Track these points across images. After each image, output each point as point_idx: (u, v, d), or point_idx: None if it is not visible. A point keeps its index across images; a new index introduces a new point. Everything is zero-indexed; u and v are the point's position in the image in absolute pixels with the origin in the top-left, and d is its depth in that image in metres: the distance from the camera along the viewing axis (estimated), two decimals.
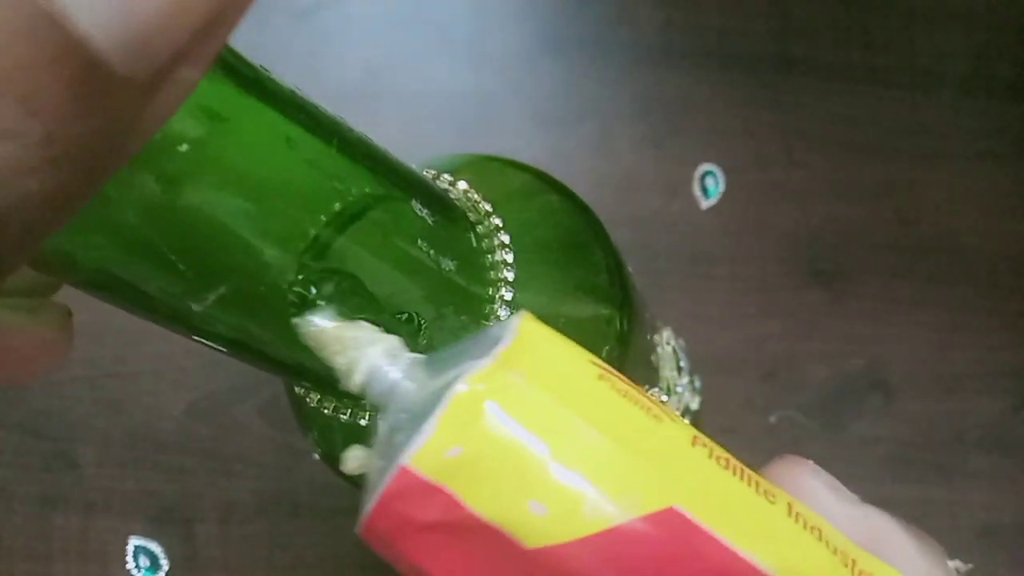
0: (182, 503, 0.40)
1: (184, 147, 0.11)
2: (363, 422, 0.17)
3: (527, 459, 0.12)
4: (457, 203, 0.17)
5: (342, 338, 0.13)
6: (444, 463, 0.12)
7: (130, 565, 0.40)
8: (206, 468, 0.40)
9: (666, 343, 0.27)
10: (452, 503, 0.12)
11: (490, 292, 0.17)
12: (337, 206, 0.13)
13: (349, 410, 0.17)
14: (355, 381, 0.13)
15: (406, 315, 0.15)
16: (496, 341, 0.13)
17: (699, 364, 0.38)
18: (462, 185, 0.18)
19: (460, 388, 0.12)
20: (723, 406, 0.40)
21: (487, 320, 0.16)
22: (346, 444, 0.19)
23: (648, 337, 0.23)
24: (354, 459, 0.14)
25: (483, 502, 0.12)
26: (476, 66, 0.43)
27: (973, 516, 0.43)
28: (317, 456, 0.21)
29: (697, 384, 0.35)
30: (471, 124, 0.43)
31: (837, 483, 0.15)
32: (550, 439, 0.12)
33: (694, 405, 0.33)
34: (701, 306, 0.43)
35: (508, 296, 0.17)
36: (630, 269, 0.24)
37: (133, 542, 0.40)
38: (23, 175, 0.07)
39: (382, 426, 0.13)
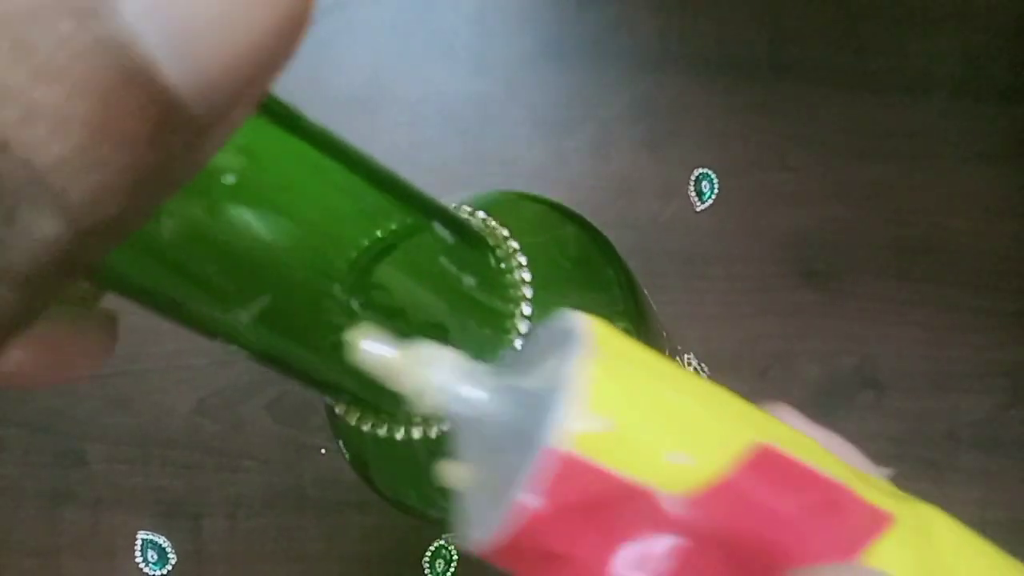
0: (190, 498, 0.40)
1: (228, 179, 0.12)
2: (399, 436, 0.18)
3: (666, 415, 0.13)
4: (476, 229, 0.18)
5: (404, 361, 0.13)
6: (593, 439, 0.12)
7: (139, 559, 0.40)
8: (214, 464, 0.41)
9: (687, 365, 0.28)
10: (604, 475, 0.12)
11: (510, 308, 0.18)
12: (371, 234, 0.15)
13: (386, 425, 0.18)
14: (428, 402, 0.13)
15: (436, 330, 0.16)
16: (561, 338, 0.14)
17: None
18: (480, 214, 0.19)
19: (579, 371, 0.13)
20: None
21: (507, 333, 0.18)
22: (378, 457, 0.20)
23: (667, 353, 0.24)
24: (451, 475, 0.14)
25: (635, 466, 0.13)
26: (477, 71, 0.44)
27: (964, 513, 0.43)
28: (347, 460, 0.21)
29: None
30: (472, 128, 0.43)
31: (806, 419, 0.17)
32: (671, 397, 0.13)
33: None
34: (697, 306, 0.43)
35: (527, 311, 0.18)
36: (645, 292, 0.25)
37: (141, 536, 0.40)
38: (106, 201, 0.08)
39: (472, 438, 0.14)
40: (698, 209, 0.44)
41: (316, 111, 0.48)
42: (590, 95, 0.44)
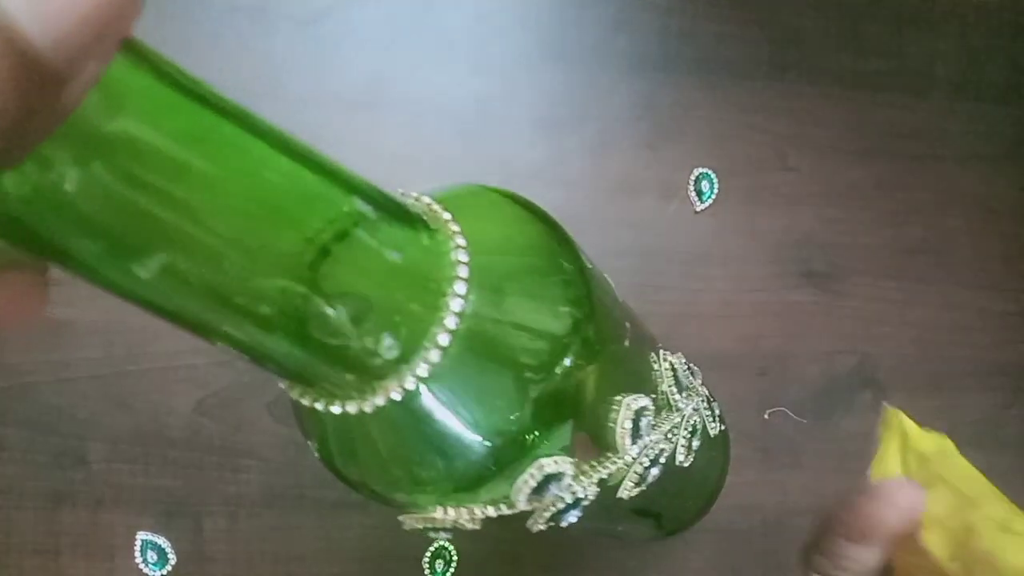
0: (190, 498, 0.41)
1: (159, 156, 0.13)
2: (336, 410, 0.19)
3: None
4: (415, 211, 0.19)
5: None
6: None
7: (138, 560, 0.40)
8: (214, 464, 0.41)
9: (663, 360, 0.28)
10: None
11: (443, 286, 0.18)
12: (305, 213, 0.16)
13: (323, 400, 0.19)
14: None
15: (363, 301, 0.17)
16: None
17: (694, 362, 0.38)
18: (426, 199, 0.20)
19: None
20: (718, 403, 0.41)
21: (439, 310, 0.18)
22: (339, 439, 0.20)
23: (625, 344, 0.24)
24: None
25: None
26: (478, 72, 0.44)
27: None
28: (318, 456, 0.22)
29: (717, 411, 0.35)
30: (473, 128, 0.43)
31: None
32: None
33: (712, 431, 0.33)
34: (696, 306, 0.43)
35: (460, 290, 0.18)
36: (611, 280, 0.25)
37: (141, 537, 0.40)
38: None
39: None
40: (698, 209, 0.44)
41: (316, 111, 0.48)
42: (590, 95, 0.44)
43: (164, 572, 0.40)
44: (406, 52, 0.44)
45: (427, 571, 0.41)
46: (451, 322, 0.18)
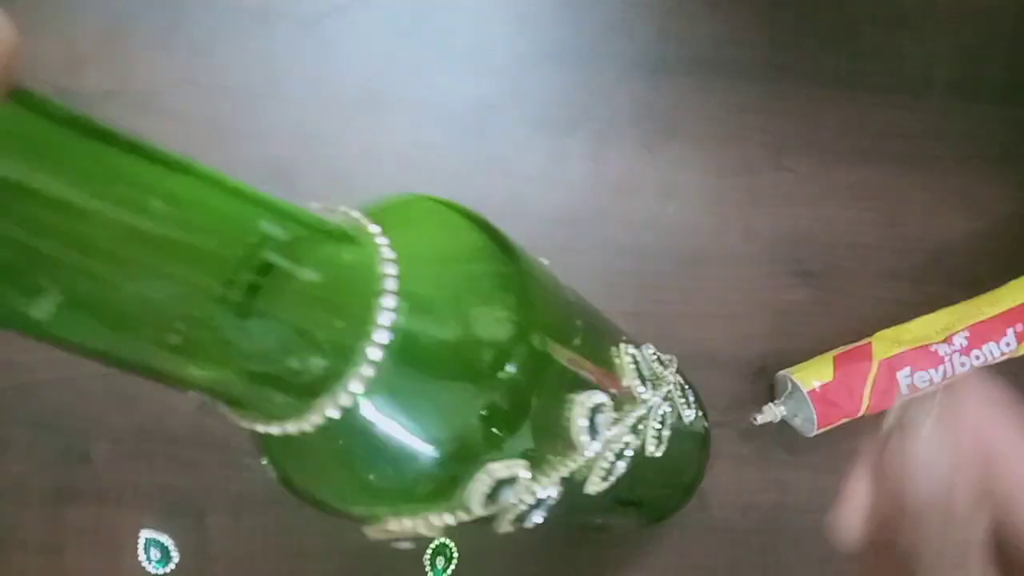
0: (194, 496, 0.41)
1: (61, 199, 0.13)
2: (275, 431, 0.18)
3: None
4: (338, 227, 0.19)
5: None
6: None
7: (142, 558, 0.40)
8: (217, 461, 0.41)
9: (624, 354, 0.28)
10: None
11: (371, 300, 0.18)
12: (223, 237, 0.15)
13: (260, 422, 0.18)
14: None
15: (282, 324, 0.17)
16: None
17: (690, 362, 0.39)
18: (354, 214, 0.20)
19: None
20: (712, 402, 0.41)
21: (366, 324, 0.18)
22: (287, 457, 0.20)
23: (575, 342, 0.24)
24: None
25: None
26: (477, 73, 0.44)
27: None
28: (274, 476, 0.22)
29: (692, 398, 0.35)
30: (472, 129, 0.44)
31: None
32: None
33: (687, 418, 0.33)
34: (692, 305, 0.44)
35: (389, 303, 0.18)
36: (562, 281, 0.25)
37: (144, 534, 0.40)
38: None
39: None
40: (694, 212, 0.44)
41: (317, 111, 0.48)
42: (589, 96, 0.44)
43: (167, 570, 0.40)
44: (406, 53, 0.44)
45: (428, 568, 0.41)
46: (382, 336, 0.18)
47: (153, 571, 0.40)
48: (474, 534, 0.35)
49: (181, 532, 0.41)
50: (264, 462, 0.21)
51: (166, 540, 0.40)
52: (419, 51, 0.44)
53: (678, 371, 0.33)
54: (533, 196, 0.43)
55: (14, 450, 0.41)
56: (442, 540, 0.41)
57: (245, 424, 0.19)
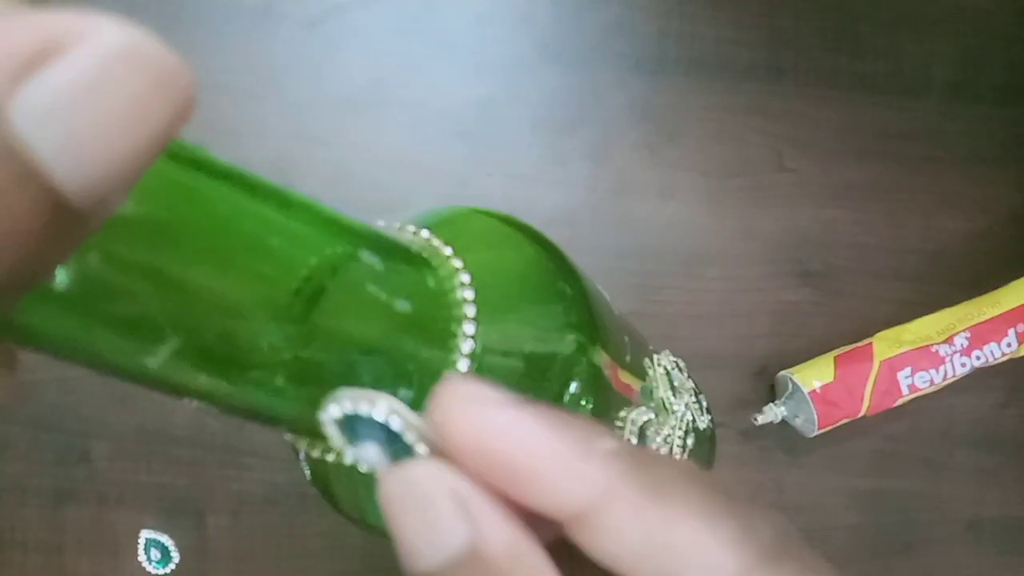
0: (193, 496, 0.41)
1: (152, 227, 0.13)
2: (331, 458, 0.18)
3: None
4: (416, 250, 0.18)
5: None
6: None
7: (142, 558, 0.40)
8: (217, 461, 0.41)
9: (657, 365, 0.28)
10: None
11: (452, 327, 0.18)
12: (300, 268, 0.15)
13: (320, 448, 0.18)
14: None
15: (376, 355, 0.16)
16: None
17: (691, 362, 0.39)
18: (424, 234, 0.19)
19: None
20: (714, 402, 0.41)
21: (450, 353, 0.18)
22: (335, 478, 0.20)
23: (627, 359, 0.24)
24: None
25: None
26: (477, 73, 0.44)
27: (960, 510, 0.44)
28: (309, 480, 0.22)
29: (704, 403, 0.35)
30: (473, 130, 0.44)
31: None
32: None
33: (702, 424, 0.33)
34: (693, 306, 0.44)
35: (470, 330, 0.18)
36: (607, 296, 0.25)
37: (144, 535, 0.40)
38: None
39: None
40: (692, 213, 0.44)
41: (318, 112, 0.48)
42: (589, 97, 0.44)
43: (167, 570, 0.40)
44: (407, 54, 0.44)
45: None
46: (463, 365, 0.18)
47: (153, 571, 0.40)
48: None
49: (181, 532, 0.41)
50: (308, 475, 0.21)
51: (166, 540, 0.40)
52: (419, 51, 0.44)
53: (689, 376, 0.34)
54: (533, 196, 0.43)
55: (13, 450, 0.41)
56: None
57: (315, 454, 0.18)
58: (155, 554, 0.40)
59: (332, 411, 0.15)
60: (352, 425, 0.15)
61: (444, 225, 0.21)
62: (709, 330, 0.43)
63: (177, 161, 0.13)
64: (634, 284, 0.43)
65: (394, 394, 0.16)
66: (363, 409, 0.14)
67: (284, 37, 0.43)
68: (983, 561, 0.44)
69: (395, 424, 0.14)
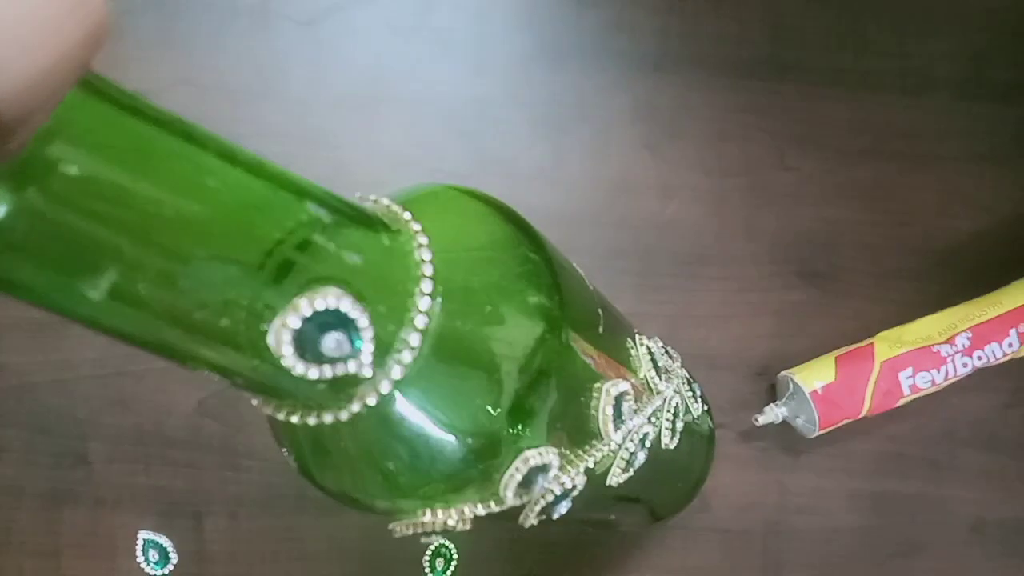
0: (191, 498, 0.40)
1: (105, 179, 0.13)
2: (312, 422, 0.18)
3: None
4: (372, 213, 0.19)
5: None
6: None
7: (140, 559, 0.40)
8: (215, 463, 0.41)
9: (639, 344, 0.28)
10: None
11: (409, 286, 0.18)
12: (245, 217, 0.15)
13: (299, 413, 0.18)
14: None
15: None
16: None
17: (692, 362, 0.38)
18: (385, 201, 0.20)
19: None
20: (715, 403, 0.41)
21: (407, 311, 0.18)
22: (313, 449, 0.20)
23: (599, 331, 0.24)
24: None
25: None
26: (477, 73, 0.44)
27: (964, 512, 0.44)
28: (295, 466, 0.22)
29: (699, 391, 0.35)
30: (472, 129, 0.43)
31: None
32: None
33: (696, 411, 0.34)
34: (694, 306, 0.43)
35: (427, 288, 0.18)
36: (582, 272, 0.25)
37: (143, 536, 0.40)
38: None
39: None
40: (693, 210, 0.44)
41: (316, 111, 0.48)
42: (589, 95, 0.44)
43: (165, 571, 0.40)
44: (406, 52, 0.44)
45: (427, 570, 0.41)
46: (421, 321, 0.18)
47: (151, 572, 0.40)
48: (496, 531, 0.35)
49: (179, 534, 0.40)
50: (285, 452, 0.21)
51: (164, 541, 0.40)
52: (418, 49, 0.44)
53: (683, 366, 0.33)
54: (532, 195, 0.43)
55: (10, 452, 0.41)
56: (441, 541, 0.41)
57: (280, 415, 0.19)
58: (153, 555, 0.40)
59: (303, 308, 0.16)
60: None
61: (413, 198, 0.21)
62: (710, 330, 0.43)
63: (116, 105, 0.14)
64: (634, 284, 0.43)
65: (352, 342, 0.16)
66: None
67: (282, 36, 0.43)
68: (987, 563, 0.44)
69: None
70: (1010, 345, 0.41)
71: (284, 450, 0.21)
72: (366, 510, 0.22)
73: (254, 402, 0.19)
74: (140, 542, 0.40)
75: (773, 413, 0.41)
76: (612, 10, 0.44)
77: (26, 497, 0.40)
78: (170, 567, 0.40)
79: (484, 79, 0.44)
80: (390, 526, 0.22)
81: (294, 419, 0.18)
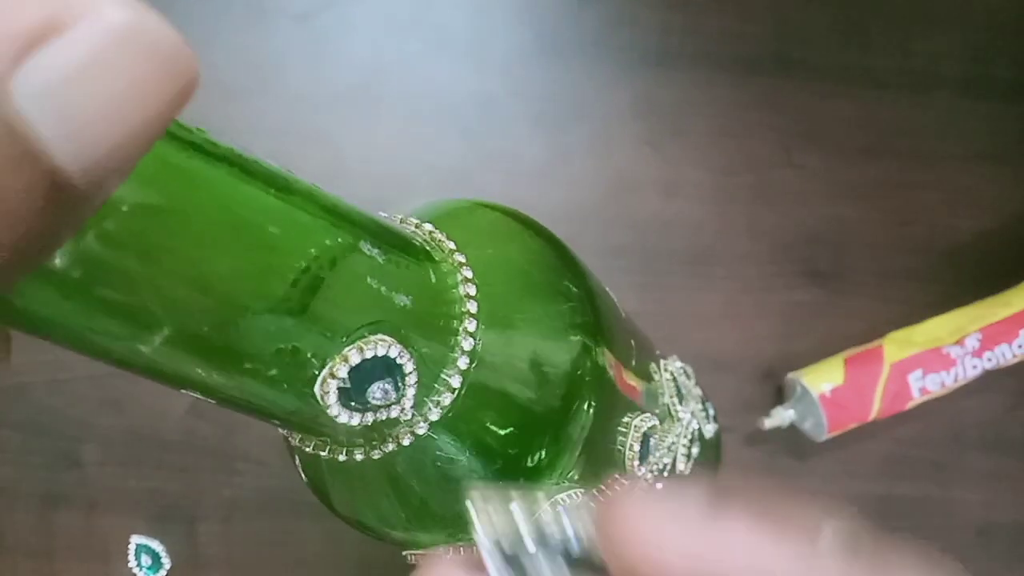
0: (185, 501, 0.40)
1: (147, 211, 0.12)
2: (342, 458, 0.18)
3: None
4: (419, 243, 0.18)
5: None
6: None
7: (132, 564, 0.40)
8: (209, 466, 0.40)
9: (664, 370, 0.27)
10: None
11: (453, 324, 0.17)
12: (302, 257, 0.14)
13: (328, 448, 0.18)
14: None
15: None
16: None
17: (696, 364, 0.38)
18: (428, 227, 0.19)
19: None
20: (720, 406, 0.40)
21: (451, 351, 0.17)
22: (333, 479, 0.20)
23: (633, 362, 0.24)
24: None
25: None
26: (476, 68, 0.44)
27: (970, 515, 0.43)
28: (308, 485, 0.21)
29: (712, 411, 0.35)
30: (472, 125, 0.43)
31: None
32: None
33: (708, 432, 0.33)
34: (698, 306, 0.43)
35: (471, 327, 0.17)
36: (615, 297, 0.24)
37: (135, 541, 0.40)
38: None
39: None
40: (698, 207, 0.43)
41: (313, 107, 0.48)
42: (591, 92, 0.44)
43: None
44: (404, 47, 0.44)
45: None
46: (463, 362, 0.17)
47: None
48: None
49: (172, 538, 0.40)
50: (304, 478, 0.21)
51: (157, 546, 0.40)
52: (417, 45, 0.44)
53: (696, 384, 0.33)
54: (533, 193, 0.43)
55: (3, 454, 0.40)
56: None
57: (308, 448, 0.18)
58: (146, 560, 0.40)
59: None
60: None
61: (447, 218, 0.20)
62: (714, 331, 0.43)
63: (176, 143, 0.13)
64: (637, 283, 0.43)
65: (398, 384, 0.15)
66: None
67: (279, 31, 0.43)
68: (995, 567, 0.43)
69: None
70: (1020, 346, 0.41)
71: (296, 464, 0.21)
72: (377, 538, 0.21)
73: (281, 431, 0.19)
74: (132, 546, 0.40)
75: (780, 416, 0.41)
76: (613, 5, 0.44)
77: (19, 499, 0.40)
78: (163, 572, 0.40)
79: (484, 74, 0.44)
80: (404, 552, 0.21)
81: (323, 454, 0.18)
